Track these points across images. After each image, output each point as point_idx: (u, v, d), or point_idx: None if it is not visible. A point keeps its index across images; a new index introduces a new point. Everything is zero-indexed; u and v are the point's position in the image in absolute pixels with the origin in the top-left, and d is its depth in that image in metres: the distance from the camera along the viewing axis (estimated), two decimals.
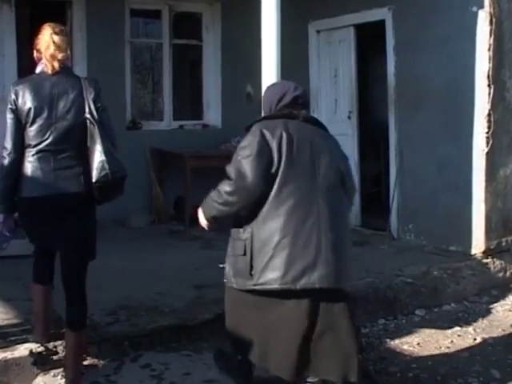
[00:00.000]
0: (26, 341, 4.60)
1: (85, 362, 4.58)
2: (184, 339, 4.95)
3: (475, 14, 6.90)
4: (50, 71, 4.35)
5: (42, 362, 4.47)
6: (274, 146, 3.68)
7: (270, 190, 3.64)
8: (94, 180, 4.25)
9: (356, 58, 8.66)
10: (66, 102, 4.28)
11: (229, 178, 3.75)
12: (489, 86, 6.87)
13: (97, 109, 4.37)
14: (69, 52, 4.57)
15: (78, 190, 4.27)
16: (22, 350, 4.47)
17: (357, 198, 8.70)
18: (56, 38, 4.42)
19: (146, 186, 8.88)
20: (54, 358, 4.54)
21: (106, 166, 4.26)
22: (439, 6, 7.29)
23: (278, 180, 3.64)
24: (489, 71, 6.87)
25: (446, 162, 7.32)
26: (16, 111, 4.24)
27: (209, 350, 4.81)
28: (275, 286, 3.58)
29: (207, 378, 4.40)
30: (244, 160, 3.69)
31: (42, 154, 4.22)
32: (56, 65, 4.35)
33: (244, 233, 3.73)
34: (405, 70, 7.76)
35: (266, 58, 5.59)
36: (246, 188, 3.65)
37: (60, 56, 4.38)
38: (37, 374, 4.42)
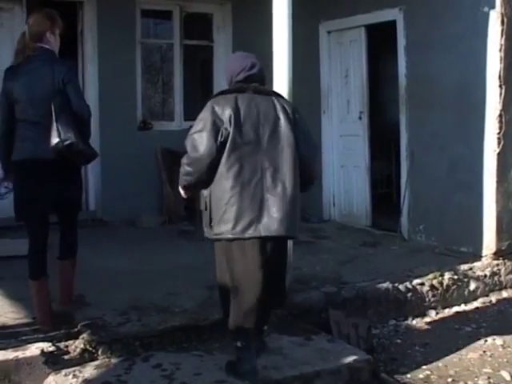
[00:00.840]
0: (37, 340, 4.61)
1: None
2: (195, 339, 4.95)
3: (486, 14, 6.89)
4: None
5: (54, 362, 4.48)
6: (223, 118, 4.28)
7: (221, 157, 4.26)
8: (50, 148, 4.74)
9: (367, 59, 8.66)
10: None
11: (186, 152, 4.42)
12: (500, 86, 6.85)
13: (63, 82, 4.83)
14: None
15: (51, 157, 4.76)
16: (34, 350, 4.48)
17: (367, 199, 8.72)
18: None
19: (157, 186, 8.90)
20: (66, 357, 4.55)
21: (55, 134, 4.71)
22: (450, 6, 7.28)
23: (227, 148, 4.25)
24: (500, 72, 6.86)
25: (457, 163, 7.31)
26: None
27: (220, 350, 4.82)
28: (228, 236, 4.31)
29: (218, 379, 4.39)
30: (196, 134, 4.35)
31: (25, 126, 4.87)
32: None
33: (206, 192, 4.41)
34: (416, 70, 7.76)
35: (277, 59, 5.60)
36: (199, 159, 4.31)
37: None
38: (48, 374, 4.42)
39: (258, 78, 4.58)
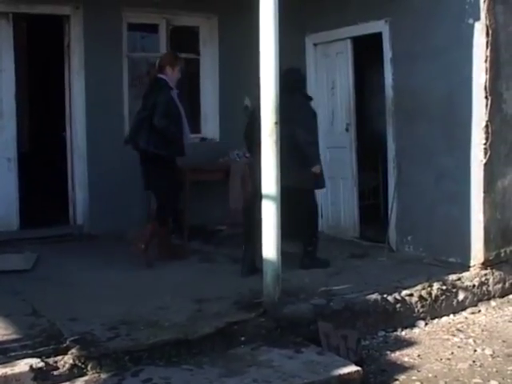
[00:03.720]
0: (25, 356, 4.57)
1: None
2: (185, 353, 4.93)
3: (471, 26, 6.93)
4: None
5: (43, 378, 4.45)
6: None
7: None
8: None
9: (353, 71, 8.69)
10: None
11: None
12: (486, 97, 6.89)
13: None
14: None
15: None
16: (22, 366, 4.44)
17: (355, 210, 8.74)
18: None
19: (145, 199, 8.88)
20: (55, 373, 4.51)
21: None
22: (435, 18, 7.33)
23: None
24: (486, 83, 6.89)
25: (445, 174, 7.33)
26: None
27: (210, 364, 4.81)
28: None
29: None
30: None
31: None
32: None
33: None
34: (402, 81, 7.80)
35: (264, 71, 5.62)
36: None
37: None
38: None
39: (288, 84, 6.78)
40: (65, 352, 4.67)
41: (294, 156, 6.60)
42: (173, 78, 7.38)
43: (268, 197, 5.62)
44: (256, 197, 6.07)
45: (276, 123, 5.59)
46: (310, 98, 7.37)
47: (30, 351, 4.65)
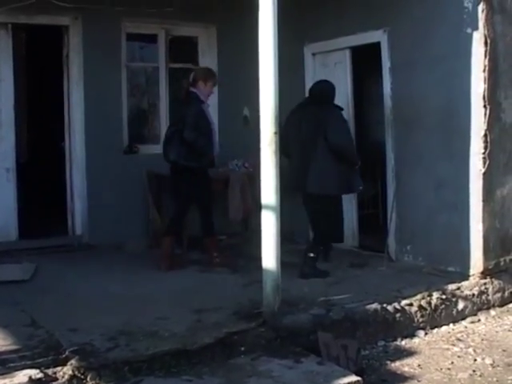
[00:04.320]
0: (24, 367, 4.55)
1: None
2: (184, 364, 4.91)
3: (470, 36, 6.94)
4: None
5: None
6: None
7: None
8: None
9: (352, 80, 8.69)
10: None
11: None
12: (484, 106, 6.89)
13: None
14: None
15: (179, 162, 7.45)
16: (21, 377, 4.42)
17: (354, 220, 8.73)
18: None
19: (144, 210, 8.89)
20: None
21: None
22: (434, 27, 7.34)
23: None
24: (484, 92, 6.90)
25: (444, 183, 7.33)
26: None
27: (209, 374, 4.79)
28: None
29: None
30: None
31: None
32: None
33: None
34: (401, 91, 7.80)
35: (263, 81, 5.62)
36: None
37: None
38: None
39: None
40: (64, 363, 4.66)
41: (328, 163, 7.05)
42: (205, 92, 7.57)
43: (267, 207, 5.61)
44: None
45: (275, 133, 5.58)
46: (341, 109, 7.48)
47: (29, 362, 4.64)
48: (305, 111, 7.31)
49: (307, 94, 7.69)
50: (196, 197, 7.58)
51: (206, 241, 7.80)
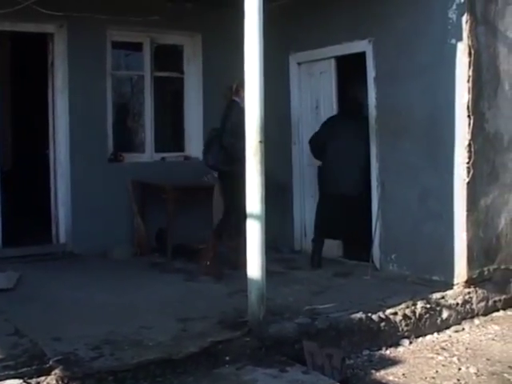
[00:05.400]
0: (8, 377, 4.52)
1: None
2: (169, 373, 4.89)
3: (454, 46, 6.99)
4: None
5: None
6: None
7: None
8: None
9: (337, 90, 8.72)
10: None
11: None
12: (469, 116, 6.94)
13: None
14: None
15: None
16: None
17: None
18: None
19: (129, 218, 8.86)
20: None
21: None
22: (418, 38, 7.38)
23: None
24: (468, 102, 6.94)
25: (428, 193, 7.36)
26: None
27: (194, 383, 4.78)
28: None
29: None
30: None
31: None
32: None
33: None
34: (386, 100, 7.83)
35: (248, 90, 5.63)
36: None
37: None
38: None
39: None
40: (48, 372, 4.63)
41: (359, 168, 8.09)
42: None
43: (252, 216, 5.61)
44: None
45: (261, 142, 5.58)
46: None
47: (12, 372, 4.60)
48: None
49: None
50: (224, 199, 7.97)
51: (210, 237, 7.92)
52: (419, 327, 6.41)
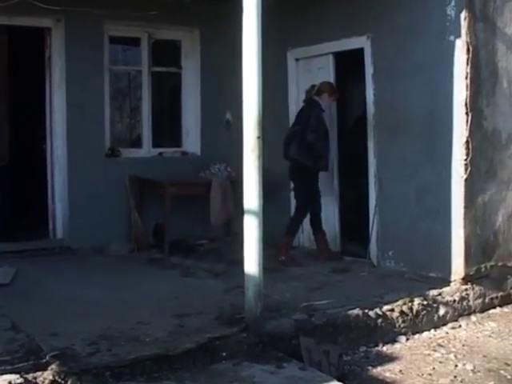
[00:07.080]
0: (4, 372, 4.50)
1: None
2: (166, 369, 4.88)
3: (452, 43, 6.98)
4: None
5: None
6: None
7: None
8: None
9: (335, 85, 8.69)
10: None
11: None
12: (466, 113, 6.93)
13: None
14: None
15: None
16: (1, 382, 4.36)
17: (336, 225, 8.74)
18: None
19: (126, 213, 8.85)
20: None
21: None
22: (417, 35, 7.37)
23: None
24: (466, 99, 6.94)
25: (425, 189, 7.36)
26: None
27: (191, 379, 4.78)
28: None
29: None
30: None
31: None
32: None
33: None
34: (384, 97, 7.82)
35: (246, 86, 5.61)
36: None
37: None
38: None
39: None
40: (44, 368, 4.62)
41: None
42: (326, 103, 8.27)
43: (250, 212, 5.60)
44: None
45: (258, 137, 5.57)
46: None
47: (9, 367, 4.59)
48: None
49: None
50: (297, 194, 8.34)
51: (282, 238, 8.20)
52: (416, 324, 6.41)
